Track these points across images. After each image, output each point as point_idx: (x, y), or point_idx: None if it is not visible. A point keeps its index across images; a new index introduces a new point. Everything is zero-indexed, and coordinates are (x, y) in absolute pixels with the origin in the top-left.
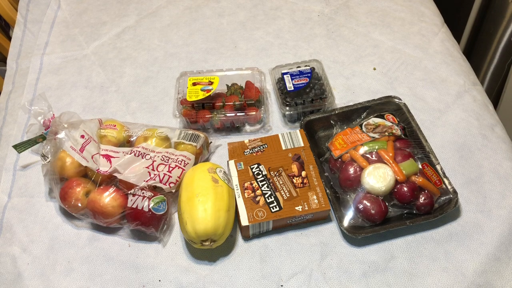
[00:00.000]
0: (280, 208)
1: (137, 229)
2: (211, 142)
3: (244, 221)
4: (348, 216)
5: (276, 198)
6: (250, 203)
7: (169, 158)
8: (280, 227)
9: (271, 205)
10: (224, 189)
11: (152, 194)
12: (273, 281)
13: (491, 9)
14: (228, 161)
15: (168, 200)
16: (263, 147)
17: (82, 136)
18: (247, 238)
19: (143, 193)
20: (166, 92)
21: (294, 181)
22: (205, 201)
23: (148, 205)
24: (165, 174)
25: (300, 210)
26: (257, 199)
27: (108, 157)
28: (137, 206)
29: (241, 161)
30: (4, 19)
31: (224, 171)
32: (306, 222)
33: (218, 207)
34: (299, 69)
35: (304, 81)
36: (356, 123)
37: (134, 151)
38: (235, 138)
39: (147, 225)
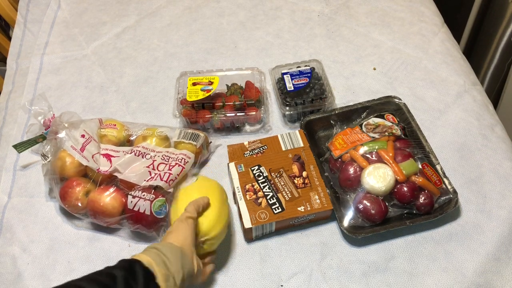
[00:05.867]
0: (283, 209)
1: (138, 231)
2: (211, 142)
3: (247, 224)
4: (348, 216)
5: (278, 199)
6: (252, 205)
7: (169, 157)
8: (283, 228)
9: (273, 207)
10: (204, 184)
11: (154, 197)
12: (273, 281)
13: (491, 9)
14: (228, 164)
15: (168, 202)
16: (262, 148)
17: (83, 136)
18: (250, 240)
19: (144, 195)
20: (166, 92)
21: (295, 181)
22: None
23: (150, 209)
24: (165, 173)
25: (303, 210)
26: (259, 200)
27: (108, 157)
28: (138, 209)
29: (242, 163)
30: (4, 19)
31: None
32: (308, 222)
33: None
34: (299, 69)
35: (304, 81)
36: (356, 123)
37: (134, 151)
38: (235, 138)
39: (148, 228)
